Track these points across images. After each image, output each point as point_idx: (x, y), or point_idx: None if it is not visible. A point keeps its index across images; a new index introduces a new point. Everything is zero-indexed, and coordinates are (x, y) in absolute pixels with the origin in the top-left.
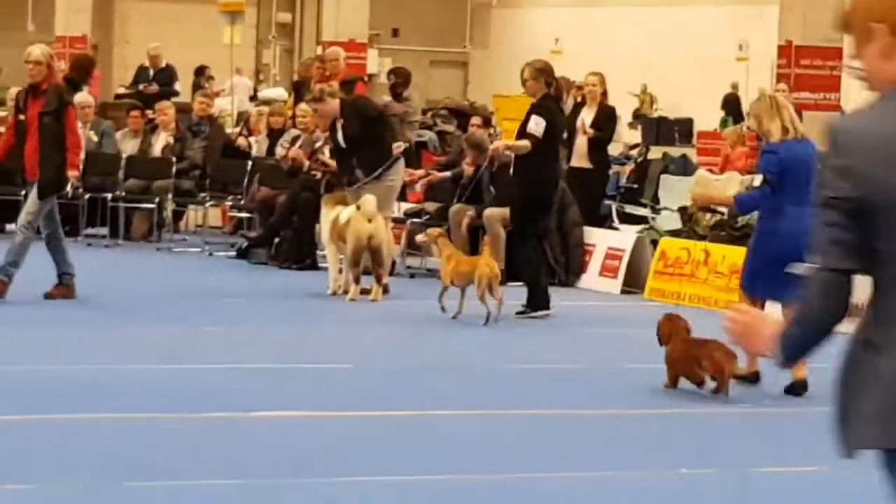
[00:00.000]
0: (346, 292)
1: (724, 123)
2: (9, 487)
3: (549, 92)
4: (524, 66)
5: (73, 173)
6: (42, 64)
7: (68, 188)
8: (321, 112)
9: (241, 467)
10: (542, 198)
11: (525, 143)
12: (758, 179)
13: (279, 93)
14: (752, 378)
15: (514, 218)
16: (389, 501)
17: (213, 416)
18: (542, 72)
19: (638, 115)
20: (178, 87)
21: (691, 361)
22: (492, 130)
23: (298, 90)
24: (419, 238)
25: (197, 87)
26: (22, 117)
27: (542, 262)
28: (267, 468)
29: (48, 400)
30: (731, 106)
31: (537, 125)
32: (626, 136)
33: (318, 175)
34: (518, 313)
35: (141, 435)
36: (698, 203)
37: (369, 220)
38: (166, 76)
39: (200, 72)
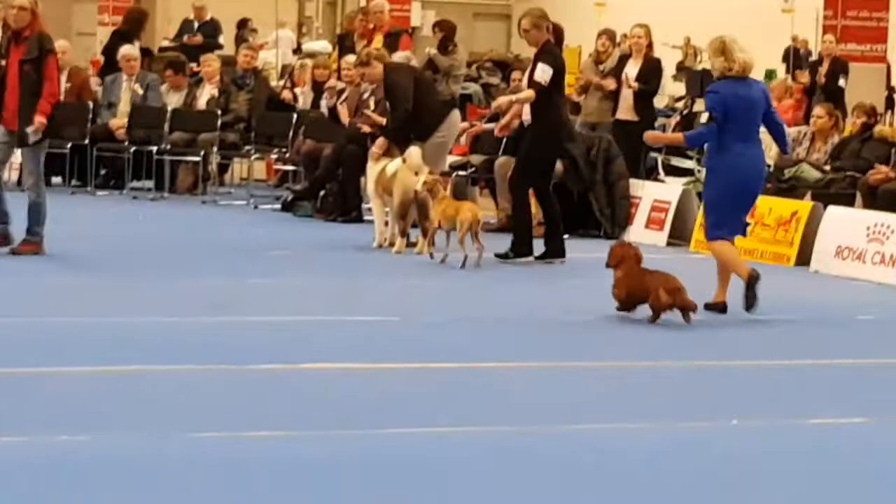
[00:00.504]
0: (391, 245)
1: (769, 76)
2: (63, 438)
3: (549, 38)
4: (522, 17)
5: (39, 118)
6: (26, 10)
7: (37, 135)
8: (368, 76)
9: (292, 419)
10: (554, 144)
11: (529, 93)
12: (704, 117)
13: (323, 46)
14: (720, 308)
15: (521, 165)
16: (438, 452)
17: (264, 367)
18: (542, 18)
19: (681, 68)
20: (222, 39)
21: (639, 290)
22: None
23: (342, 43)
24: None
25: (240, 39)
26: (3, 63)
27: (555, 211)
28: (317, 420)
29: (101, 352)
30: (793, 58)
31: (544, 73)
32: (670, 88)
33: (365, 128)
34: (497, 255)
35: (192, 387)
36: (649, 142)
37: (416, 173)
38: (211, 29)
39: (243, 24)
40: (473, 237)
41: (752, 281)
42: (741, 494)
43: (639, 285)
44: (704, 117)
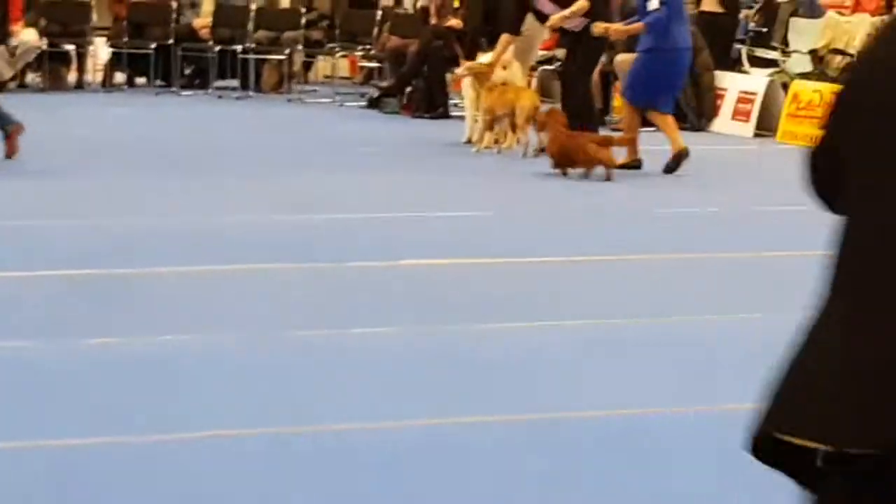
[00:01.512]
0: (479, 141)
1: None
2: (168, 338)
3: None
4: None
5: (13, 27)
6: None
7: (12, 41)
8: None
9: (392, 314)
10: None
11: (581, 4)
12: (653, 3)
13: None
14: (635, 165)
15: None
16: (538, 345)
17: (360, 265)
18: None
19: None
20: None
21: (568, 153)
22: None
23: None
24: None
25: None
26: None
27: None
28: (416, 315)
29: (197, 251)
30: None
31: None
32: None
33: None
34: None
35: (289, 285)
36: (613, 36)
37: (504, 67)
38: None
39: None
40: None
41: (682, 155)
42: None
43: (569, 143)
44: (653, 4)
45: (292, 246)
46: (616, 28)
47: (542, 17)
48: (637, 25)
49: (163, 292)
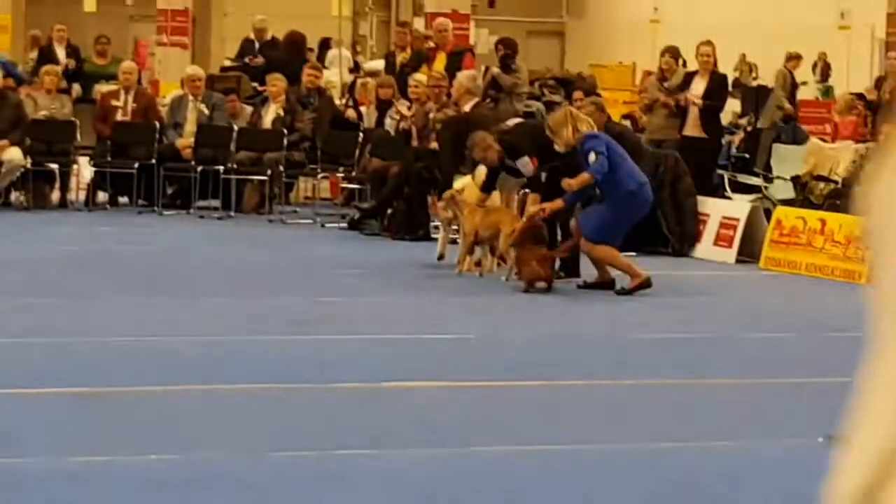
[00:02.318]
0: (460, 263)
1: (825, 93)
2: (152, 458)
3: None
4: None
5: None
6: None
7: None
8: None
9: (376, 437)
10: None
11: (586, 177)
12: (591, 157)
13: (381, 64)
14: (608, 284)
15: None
16: (527, 469)
17: (345, 386)
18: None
19: (737, 85)
20: None
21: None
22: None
23: (388, 60)
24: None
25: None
26: None
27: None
28: (401, 438)
29: (182, 370)
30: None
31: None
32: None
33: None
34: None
35: (277, 405)
36: (572, 187)
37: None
38: (272, 49)
39: (326, 45)
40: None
41: (644, 283)
42: None
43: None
44: (592, 157)
45: (274, 366)
46: (568, 182)
47: (514, 173)
48: (584, 177)
49: (148, 412)
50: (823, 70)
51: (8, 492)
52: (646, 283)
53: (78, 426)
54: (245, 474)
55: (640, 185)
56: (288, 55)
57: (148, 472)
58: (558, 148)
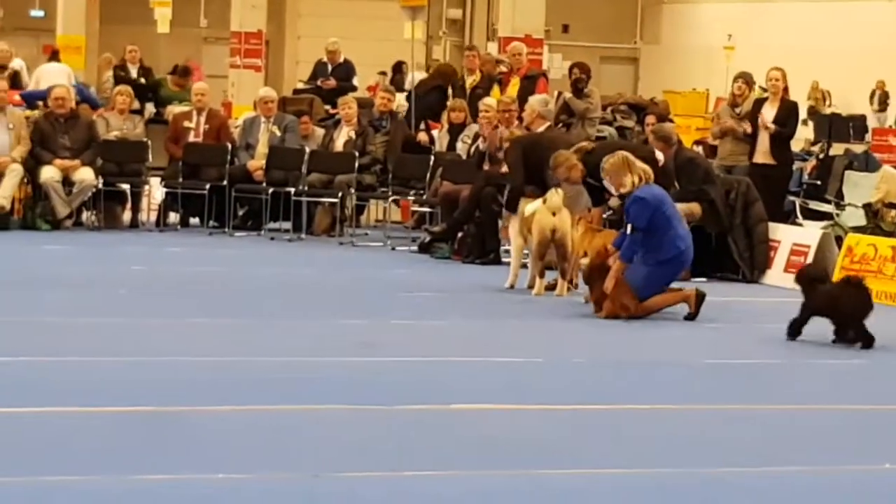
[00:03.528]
0: (530, 287)
1: None
2: (220, 477)
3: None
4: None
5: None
6: None
7: None
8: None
9: (444, 458)
10: None
11: (619, 266)
12: (628, 228)
13: None
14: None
15: None
16: (596, 493)
17: (411, 408)
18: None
19: (812, 112)
20: (356, 81)
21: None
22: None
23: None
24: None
25: (394, 82)
26: None
27: None
28: (469, 460)
29: (251, 391)
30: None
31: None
32: (799, 132)
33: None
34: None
35: (343, 426)
36: (609, 288)
37: (554, 214)
38: (344, 71)
39: (398, 68)
40: None
41: (699, 298)
42: None
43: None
44: (628, 229)
45: (343, 387)
46: (610, 284)
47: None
48: (618, 265)
49: (215, 431)
50: (882, 98)
51: None
52: (700, 297)
53: (144, 445)
54: (312, 495)
55: (686, 247)
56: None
57: (214, 492)
58: (616, 192)
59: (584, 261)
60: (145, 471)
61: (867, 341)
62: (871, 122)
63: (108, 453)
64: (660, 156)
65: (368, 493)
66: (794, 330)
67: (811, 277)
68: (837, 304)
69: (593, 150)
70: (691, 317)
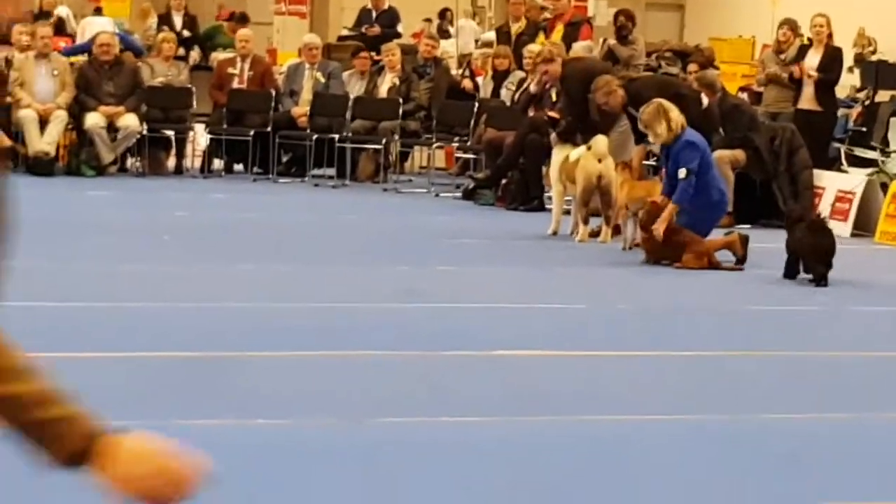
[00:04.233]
0: (572, 234)
1: None
2: (260, 422)
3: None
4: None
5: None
6: None
7: None
8: (550, 74)
9: (485, 404)
10: None
11: (672, 208)
12: (681, 172)
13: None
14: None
15: None
16: (637, 439)
17: (454, 353)
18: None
19: (858, 59)
20: (400, 28)
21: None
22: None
23: (499, 31)
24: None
25: (440, 29)
26: None
27: None
28: (511, 405)
29: (301, 337)
30: None
31: None
32: (845, 79)
33: (552, 114)
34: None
35: (384, 372)
36: (660, 230)
37: (599, 160)
38: (389, 18)
39: (443, 15)
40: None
41: (744, 242)
42: None
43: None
44: (682, 173)
45: (387, 334)
46: (657, 228)
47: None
48: (671, 208)
49: (257, 377)
50: None
51: None
52: (745, 240)
53: (186, 390)
54: (354, 441)
55: (722, 193)
56: None
57: (256, 437)
58: (652, 140)
59: (661, 226)
60: (186, 416)
61: (819, 280)
62: None
63: (151, 398)
64: (705, 99)
65: (411, 438)
66: (787, 271)
67: (793, 218)
68: (802, 245)
69: (637, 78)
70: (741, 261)
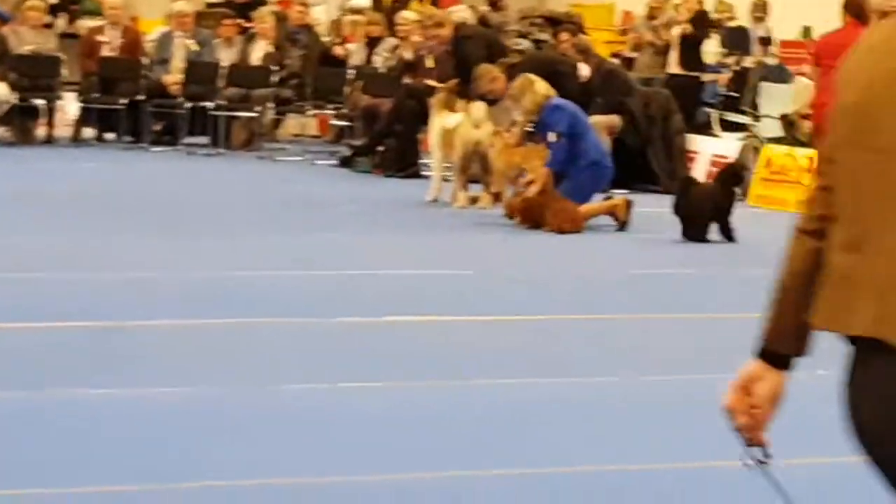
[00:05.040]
0: (454, 200)
1: (805, 33)
2: (166, 390)
3: None
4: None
5: None
6: None
7: None
8: (440, 38)
9: (380, 370)
10: None
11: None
12: (551, 136)
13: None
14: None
15: None
16: (529, 401)
17: (345, 321)
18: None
19: (717, 26)
20: None
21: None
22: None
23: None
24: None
25: None
26: None
27: None
28: (403, 371)
29: (180, 306)
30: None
31: None
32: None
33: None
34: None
35: (285, 339)
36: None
37: (477, 127)
38: None
39: None
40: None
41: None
42: None
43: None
44: (552, 136)
45: (274, 301)
46: (534, 189)
47: None
48: (545, 172)
49: (154, 345)
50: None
51: (28, 422)
52: (629, 204)
53: (81, 360)
54: (254, 407)
55: (602, 154)
56: None
57: (156, 405)
58: (520, 116)
59: (534, 189)
60: (98, 385)
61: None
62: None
63: (44, 368)
64: (585, 70)
65: (309, 404)
66: (684, 232)
67: (681, 182)
68: (678, 205)
69: (517, 64)
70: (623, 225)
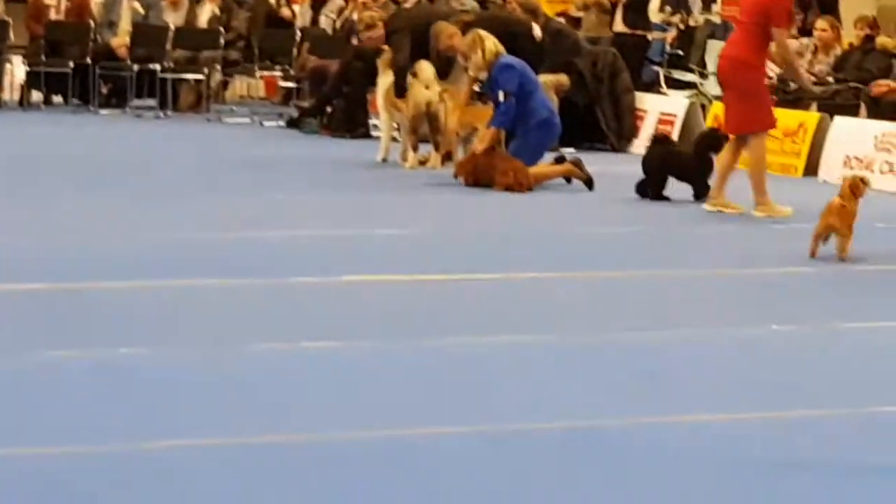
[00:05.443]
0: (403, 160)
1: None
2: (122, 351)
3: None
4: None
5: None
6: None
7: None
8: (376, 39)
9: (339, 329)
10: None
11: (492, 132)
12: (500, 96)
13: None
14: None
15: None
16: (488, 360)
17: (302, 280)
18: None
19: None
20: None
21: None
22: None
23: None
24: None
25: None
26: None
27: None
28: (362, 330)
29: (135, 268)
30: None
31: None
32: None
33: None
34: None
35: (237, 300)
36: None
37: (427, 87)
38: None
39: None
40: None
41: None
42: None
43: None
44: (500, 96)
45: (229, 262)
46: (480, 147)
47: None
48: (491, 132)
49: (113, 306)
50: None
51: None
52: (578, 164)
53: (39, 323)
54: (215, 368)
55: (550, 112)
56: None
57: (116, 366)
58: (471, 72)
59: (480, 146)
60: (44, 347)
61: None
62: None
63: (5, 331)
64: (537, 30)
65: (270, 364)
66: (643, 190)
67: (654, 140)
68: (644, 162)
69: (472, 22)
70: (589, 184)
